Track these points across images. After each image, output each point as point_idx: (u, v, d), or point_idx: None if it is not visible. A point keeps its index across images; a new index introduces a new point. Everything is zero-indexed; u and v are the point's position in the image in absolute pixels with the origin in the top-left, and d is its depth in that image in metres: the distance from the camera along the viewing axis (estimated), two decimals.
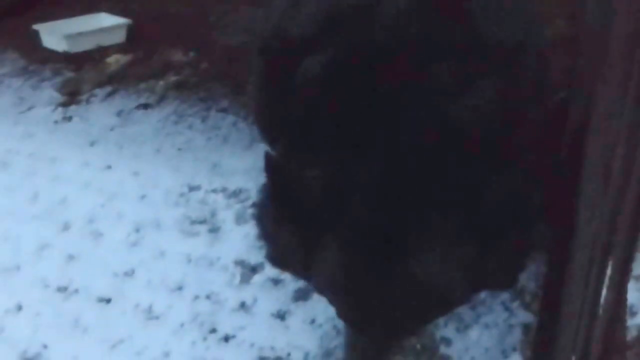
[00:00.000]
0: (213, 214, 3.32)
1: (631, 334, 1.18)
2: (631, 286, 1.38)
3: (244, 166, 3.66)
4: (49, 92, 4.89)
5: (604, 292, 1.30)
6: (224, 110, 4.36)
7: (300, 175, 1.93)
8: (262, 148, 3.64)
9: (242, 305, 2.74)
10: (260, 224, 2.33)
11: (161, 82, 4.83)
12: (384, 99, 1.82)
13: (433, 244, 1.84)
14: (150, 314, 2.76)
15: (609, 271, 1.29)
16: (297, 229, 2.02)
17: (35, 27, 5.60)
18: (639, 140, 1.19)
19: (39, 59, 5.46)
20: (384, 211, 1.83)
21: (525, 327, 2.50)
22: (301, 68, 1.90)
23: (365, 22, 1.87)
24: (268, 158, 2.03)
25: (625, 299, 1.32)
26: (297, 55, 1.93)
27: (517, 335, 2.47)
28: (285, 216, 2.07)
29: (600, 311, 1.31)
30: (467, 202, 1.82)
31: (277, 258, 2.27)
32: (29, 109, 4.70)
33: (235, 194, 3.45)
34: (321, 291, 2.17)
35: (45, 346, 2.67)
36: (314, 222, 1.95)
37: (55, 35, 5.50)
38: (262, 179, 3.37)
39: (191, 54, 5.21)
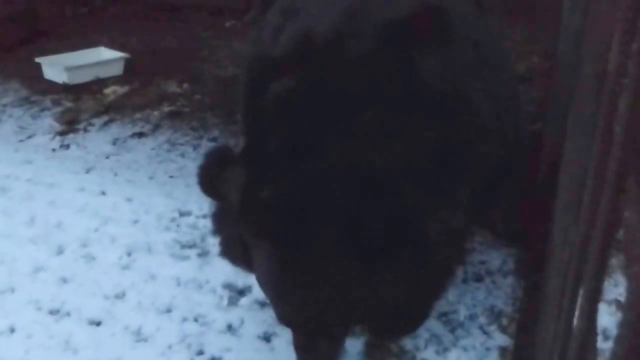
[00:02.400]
0: (203, 238, 3.30)
1: (605, 358, 1.15)
2: (605, 310, 1.37)
3: None
4: (48, 121, 4.88)
5: (575, 318, 1.28)
6: (215, 140, 4.39)
7: (228, 176, 2.06)
8: None
9: (229, 327, 2.71)
10: (212, 220, 2.44)
11: (156, 112, 4.84)
12: (323, 130, 1.90)
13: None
14: (139, 336, 2.71)
15: (580, 299, 1.27)
16: (234, 225, 2.11)
17: (38, 59, 5.62)
18: (607, 175, 1.17)
19: (40, 89, 5.47)
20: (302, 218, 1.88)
21: (503, 350, 2.47)
22: (269, 89, 2.00)
23: (327, 56, 1.97)
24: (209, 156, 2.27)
25: (596, 326, 1.30)
26: (272, 77, 2.02)
27: (494, 358, 2.45)
28: (226, 212, 2.16)
29: (573, 337, 1.29)
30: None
31: (226, 253, 2.36)
32: (29, 137, 4.68)
33: None
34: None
35: None
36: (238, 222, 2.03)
37: (56, 67, 5.51)
38: None
39: (185, 85, 5.21)
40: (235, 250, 2.22)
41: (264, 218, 1.94)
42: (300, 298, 1.97)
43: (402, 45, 1.95)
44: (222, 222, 2.31)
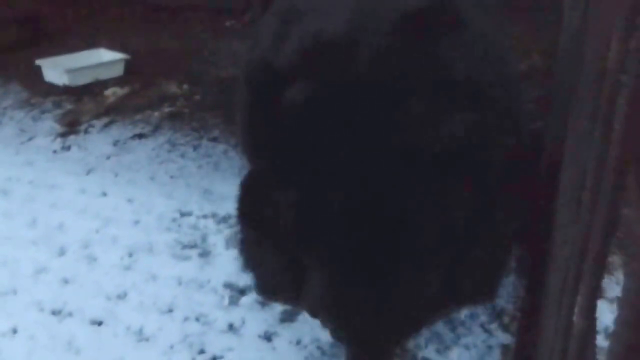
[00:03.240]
0: (204, 238, 3.30)
1: (605, 356, 1.15)
2: (606, 308, 1.37)
3: (234, 193, 3.58)
4: (49, 123, 4.88)
5: (575, 316, 1.28)
6: (215, 140, 4.38)
7: (276, 199, 1.94)
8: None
9: (231, 327, 2.71)
10: (245, 255, 2.34)
11: (156, 113, 4.84)
12: (360, 127, 1.84)
13: (409, 258, 1.87)
14: (141, 336, 2.71)
15: (579, 296, 1.26)
16: (279, 254, 2.04)
17: (38, 62, 5.62)
18: (606, 174, 1.17)
19: (40, 92, 5.47)
20: (359, 231, 1.85)
21: (504, 348, 2.47)
22: (284, 97, 1.91)
23: (346, 57, 1.88)
24: (244, 185, 2.09)
25: (595, 324, 1.29)
26: (280, 86, 1.94)
27: (495, 356, 2.45)
28: (265, 242, 2.08)
29: (572, 335, 1.28)
30: (440, 219, 1.83)
31: (265, 287, 2.27)
32: (30, 139, 4.68)
33: (225, 219, 3.43)
34: (313, 314, 2.15)
35: None
36: (293, 246, 1.96)
37: (56, 69, 5.52)
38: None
39: (185, 86, 5.21)
40: (282, 282, 2.15)
41: (326, 238, 1.89)
42: (372, 314, 1.95)
43: (420, 38, 1.90)
44: (258, 255, 2.24)
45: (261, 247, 2.17)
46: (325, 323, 2.16)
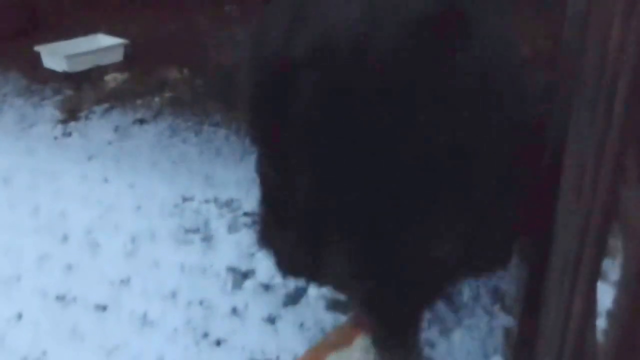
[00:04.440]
0: (206, 223, 3.31)
1: (606, 338, 1.15)
2: (608, 291, 1.36)
3: (235, 177, 3.67)
4: (49, 110, 4.87)
5: (576, 298, 1.28)
6: (216, 125, 4.37)
7: (290, 180, 1.99)
8: (253, 160, 3.71)
9: (234, 311, 2.72)
10: (262, 233, 2.38)
11: (157, 99, 4.83)
12: (371, 118, 1.86)
13: (427, 225, 1.92)
14: (145, 321, 2.72)
15: (580, 278, 1.27)
16: (297, 230, 2.07)
17: (37, 48, 5.59)
18: (606, 156, 1.17)
19: (40, 78, 5.45)
20: (375, 204, 1.90)
21: (506, 330, 2.48)
22: (295, 87, 1.93)
23: (358, 50, 1.89)
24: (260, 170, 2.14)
25: (595, 305, 1.30)
26: (291, 77, 1.95)
27: (498, 338, 2.46)
28: (283, 220, 2.12)
29: (572, 316, 1.29)
30: (456, 187, 1.89)
31: (284, 264, 2.31)
32: (31, 126, 4.68)
33: (227, 204, 3.44)
34: (338, 288, 2.21)
35: (44, 353, 2.62)
36: (310, 223, 2.01)
37: (55, 56, 5.49)
38: (253, 189, 3.42)
39: (185, 71, 5.20)
40: (300, 258, 2.17)
41: (342, 212, 1.94)
42: (394, 282, 1.98)
43: (433, 43, 1.89)
44: (276, 232, 2.27)
45: (279, 225, 2.20)
46: (347, 295, 2.23)
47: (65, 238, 3.31)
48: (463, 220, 1.95)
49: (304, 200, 1.98)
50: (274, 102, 2.02)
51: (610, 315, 1.05)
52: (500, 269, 2.51)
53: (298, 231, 2.08)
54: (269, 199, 2.24)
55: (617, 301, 1.03)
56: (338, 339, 2.27)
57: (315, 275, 2.26)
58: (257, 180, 2.26)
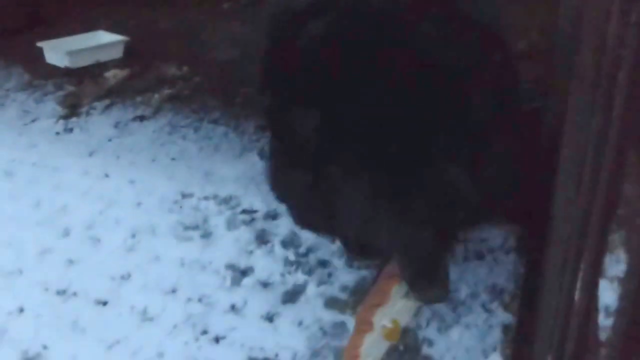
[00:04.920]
0: (205, 220, 3.29)
1: (607, 334, 1.14)
2: (607, 286, 1.35)
3: (234, 174, 3.66)
4: (51, 105, 4.86)
5: (576, 294, 1.27)
6: (215, 121, 4.35)
7: (300, 120, 2.07)
8: (252, 157, 3.72)
9: (233, 307, 2.71)
10: (277, 187, 2.44)
11: (156, 95, 4.81)
12: (379, 49, 1.97)
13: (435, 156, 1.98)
14: (145, 316, 2.72)
15: (580, 274, 1.26)
16: (310, 177, 2.13)
17: (39, 44, 5.59)
18: (607, 150, 1.16)
19: (42, 74, 5.44)
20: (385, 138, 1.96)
21: (505, 327, 2.47)
22: (306, 29, 2.07)
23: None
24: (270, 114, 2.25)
25: (597, 301, 1.29)
26: (301, 23, 2.10)
27: (496, 335, 2.44)
28: (296, 170, 2.18)
29: (573, 313, 1.28)
30: (461, 118, 1.97)
31: (300, 217, 2.39)
32: (33, 121, 4.67)
33: (226, 200, 3.42)
34: (359, 235, 2.22)
35: (45, 347, 2.62)
36: (322, 161, 2.07)
37: (57, 51, 5.49)
38: (252, 186, 3.43)
39: (184, 68, 5.19)
40: (316, 208, 2.23)
41: (353, 147, 2.00)
42: (413, 219, 2.03)
43: None
44: (291, 185, 2.30)
45: (292, 176, 2.23)
46: (364, 240, 2.25)
47: (66, 232, 3.30)
48: (470, 146, 2.00)
49: (319, 141, 2.04)
50: (285, 46, 2.15)
51: (615, 310, 1.04)
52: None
53: (314, 178, 2.13)
54: (281, 147, 2.31)
55: (620, 297, 1.02)
56: (377, 297, 2.27)
57: (332, 226, 2.28)
58: (268, 131, 2.35)
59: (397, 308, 2.22)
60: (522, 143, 2.25)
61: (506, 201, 2.39)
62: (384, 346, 2.21)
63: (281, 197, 2.47)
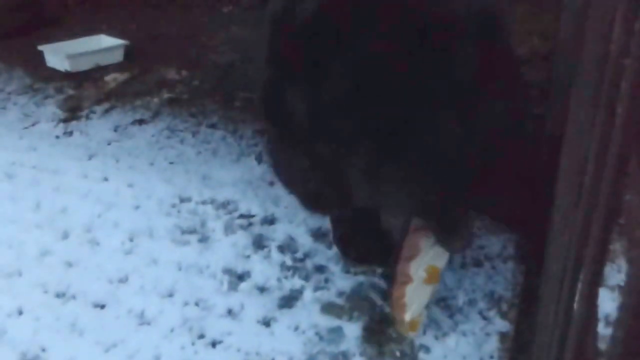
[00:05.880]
0: (203, 224, 3.27)
1: (606, 343, 1.12)
2: (607, 296, 1.35)
3: (232, 178, 3.66)
4: (51, 109, 4.86)
5: (576, 303, 1.25)
6: (213, 126, 4.36)
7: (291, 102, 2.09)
8: (249, 162, 3.71)
9: (230, 312, 2.68)
10: (283, 176, 2.46)
11: (155, 99, 4.82)
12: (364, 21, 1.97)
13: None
14: (142, 319, 2.69)
15: (580, 283, 1.23)
16: (312, 158, 2.15)
17: (40, 47, 5.61)
18: (608, 159, 1.14)
19: (43, 77, 5.45)
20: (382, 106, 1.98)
21: (502, 336, 2.45)
22: (298, 8, 2.07)
23: None
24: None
25: (596, 311, 1.26)
26: (287, 14, 2.12)
27: (494, 343, 2.42)
28: (293, 146, 2.20)
29: (573, 322, 1.25)
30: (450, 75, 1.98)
31: (310, 200, 2.38)
32: (33, 124, 4.65)
33: (224, 205, 3.41)
34: (368, 204, 2.26)
35: (43, 348, 2.59)
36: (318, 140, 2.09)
37: (58, 55, 5.49)
38: (249, 191, 3.41)
39: (184, 72, 5.19)
40: (323, 188, 2.25)
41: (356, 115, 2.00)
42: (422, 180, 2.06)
43: None
44: (295, 171, 2.32)
45: (292, 160, 2.26)
46: (379, 207, 2.35)
47: (65, 234, 3.27)
48: (459, 103, 2.00)
49: (311, 119, 2.05)
50: (280, 28, 2.17)
51: (615, 320, 1.02)
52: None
53: (312, 158, 2.15)
54: (277, 133, 2.31)
55: (621, 306, 1.00)
56: (409, 251, 2.41)
57: (340, 203, 2.29)
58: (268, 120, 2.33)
59: (429, 256, 2.39)
60: (513, 97, 2.24)
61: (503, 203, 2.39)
62: (427, 291, 2.40)
63: (286, 185, 2.47)
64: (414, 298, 2.37)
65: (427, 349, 2.42)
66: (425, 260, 2.37)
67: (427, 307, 2.47)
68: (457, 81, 1.96)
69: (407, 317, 2.39)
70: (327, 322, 2.58)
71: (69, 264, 3.05)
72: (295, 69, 2.07)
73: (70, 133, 4.44)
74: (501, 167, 2.17)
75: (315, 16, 2.03)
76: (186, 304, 2.74)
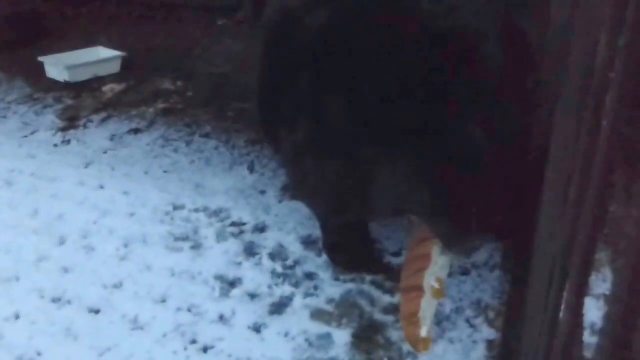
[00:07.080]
0: (196, 231, 3.25)
1: (592, 352, 1.10)
2: (593, 305, 1.33)
3: (224, 187, 3.65)
4: (50, 118, 4.84)
5: (562, 312, 1.23)
6: (207, 135, 4.35)
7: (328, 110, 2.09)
8: (241, 171, 3.69)
9: (221, 318, 2.65)
10: (299, 187, 2.51)
11: (151, 109, 4.81)
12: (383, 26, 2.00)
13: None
14: (136, 324, 2.66)
15: (566, 292, 1.21)
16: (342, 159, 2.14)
17: (41, 59, 5.60)
18: (593, 170, 1.12)
19: (43, 87, 5.44)
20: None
21: (489, 343, 2.43)
22: (306, 21, 2.11)
23: None
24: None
25: (582, 320, 1.24)
26: (294, 22, 2.15)
27: (481, 351, 2.40)
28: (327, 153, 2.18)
29: (559, 331, 1.23)
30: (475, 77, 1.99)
31: (334, 205, 2.37)
32: (33, 133, 4.63)
33: (217, 213, 3.39)
34: (399, 208, 2.22)
35: (39, 353, 2.56)
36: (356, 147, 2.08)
37: (58, 66, 5.48)
38: (241, 199, 3.39)
39: (179, 83, 5.18)
40: (349, 193, 2.23)
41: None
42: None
43: None
44: (320, 179, 2.30)
45: (324, 166, 2.23)
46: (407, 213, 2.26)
47: (62, 240, 3.25)
48: (484, 104, 2.01)
49: (349, 127, 2.05)
50: (279, 43, 2.22)
51: (601, 329, 1.00)
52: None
53: (348, 163, 2.13)
54: (307, 140, 2.27)
55: (607, 315, 0.98)
56: (419, 262, 2.31)
57: (366, 205, 2.26)
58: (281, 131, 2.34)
59: (439, 266, 2.26)
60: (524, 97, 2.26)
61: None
62: (434, 305, 2.26)
63: (310, 192, 2.45)
64: (427, 313, 2.23)
65: (414, 356, 2.39)
66: (435, 271, 2.26)
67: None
68: (480, 86, 1.97)
69: (424, 332, 2.21)
70: (316, 328, 2.55)
71: (65, 270, 3.03)
72: (330, 78, 2.06)
73: (68, 142, 4.42)
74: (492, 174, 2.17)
75: (331, 29, 2.06)
76: (179, 309, 2.72)
